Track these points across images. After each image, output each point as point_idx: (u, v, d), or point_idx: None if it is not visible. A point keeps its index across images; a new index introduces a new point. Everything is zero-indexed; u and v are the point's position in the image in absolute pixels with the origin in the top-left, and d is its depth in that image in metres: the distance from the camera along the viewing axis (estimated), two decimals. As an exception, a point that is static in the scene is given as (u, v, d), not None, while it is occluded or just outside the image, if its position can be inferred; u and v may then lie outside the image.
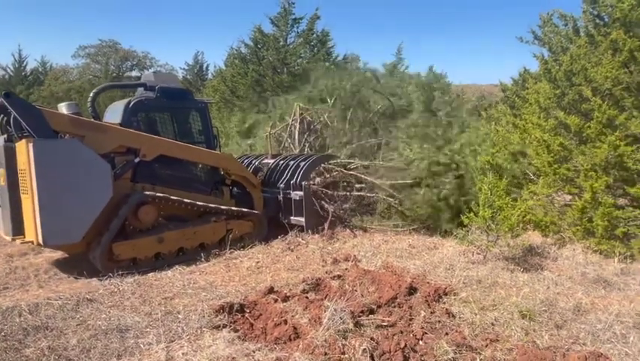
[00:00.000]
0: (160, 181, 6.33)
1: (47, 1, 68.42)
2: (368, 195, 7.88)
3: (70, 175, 5.19)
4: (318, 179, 7.91)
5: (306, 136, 9.33)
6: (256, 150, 10.34)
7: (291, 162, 7.72)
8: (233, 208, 6.87)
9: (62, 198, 5.11)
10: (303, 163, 7.51)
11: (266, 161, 8.44)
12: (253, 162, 8.54)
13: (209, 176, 7.03)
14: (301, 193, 7.13)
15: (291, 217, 7.38)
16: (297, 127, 9.35)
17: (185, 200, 6.27)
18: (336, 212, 7.58)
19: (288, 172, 7.54)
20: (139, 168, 6.16)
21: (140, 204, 5.90)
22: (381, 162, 7.99)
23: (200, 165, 6.98)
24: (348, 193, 7.94)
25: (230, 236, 6.58)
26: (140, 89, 6.83)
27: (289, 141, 9.47)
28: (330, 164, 8.11)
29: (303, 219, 7.16)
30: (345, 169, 8.14)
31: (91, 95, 6.62)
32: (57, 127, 5.45)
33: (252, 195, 7.34)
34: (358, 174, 7.96)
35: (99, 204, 5.39)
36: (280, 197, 7.52)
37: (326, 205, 7.60)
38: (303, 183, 7.14)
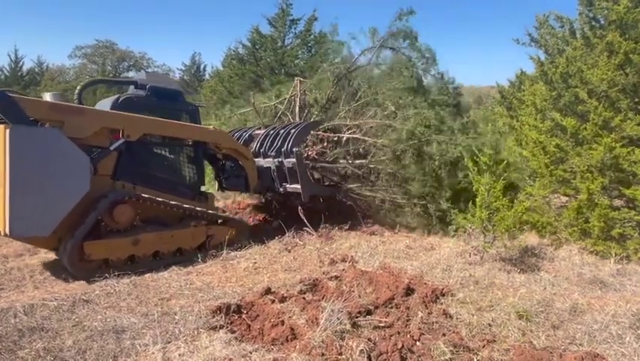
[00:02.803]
0: (142, 181, 6.08)
1: (44, 1, 68.25)
2: (370, 165, 7.65)
3: (46, 165, 4.93)
4: (315, 148, 7.77)
5: (306, 112, 8.94)
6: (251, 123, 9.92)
7: (282, 131, 7.54)
8: (214, 213, 6.63)
9: (35, 189, 4.85)
10: (294, 130, 7.32)
11: (257, 132, 8.21)
12: (243, 134, 8.32)
13: (195, 180, 6.81)
14: (293, 160, 6.97)
15: (287, 185, 7.29)
16: (298, 102, 8.88)
17: (159, 199, 5.98)
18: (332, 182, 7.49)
19: (279, 140, 7.34)
20: (121, 165, 5.90)
21: (116, 203, 5.63)
22: (378, 120, 7.71)
23: (186, 167, 6.75)
24: (347, 164, 7.74)
25: (211, 242, 6.40)
26: (132, 87, 6.68)
27: (289, 115, 9.09)
28: (324, 131, 7.88)
29: (299, 186, 7.07)
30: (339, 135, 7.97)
31: (78, 87, 6.45)
32: (35, 115, 5.16)
33: (245, 168, 7.20)
34: (360, 137, 7.71)
35: (73, 198, 5.12)
36: (273, 167, 7.34)
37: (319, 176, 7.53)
38: (294, 149, 6.98)
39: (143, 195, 5.85)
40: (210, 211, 6.59)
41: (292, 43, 17.49)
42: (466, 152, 7.07)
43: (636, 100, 6.03)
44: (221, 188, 8.13)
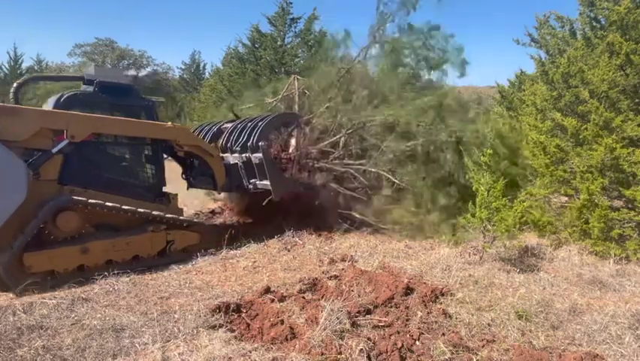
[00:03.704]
0: (94, 184, 5.62)
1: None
2: (369, 169, 7.35)
3: None
4: (314, 150, 7.51)
5: (306, 110, 8.50)
6: None
7: (249, 124, 7.14)
8: (174, 216, 6.11)
9: None
10: (261, 123, 6.94)
11: (226, 125, 7.79)
12: (212, 128, 7.87)
13: (156, 180, 6.39)
14: (260, 155, 6.64)
15: (257, 182, 6.93)
16: (297, 100, 8.54)
17: (108, 204, 5.51)
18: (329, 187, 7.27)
19: (245, 134, 6.96)
20: (67, 168, 5.45)
21: (60, 209, 5.18)
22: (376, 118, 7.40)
23: (144, 168, 6.34)
24: (349, 169, 7.45)
25: (172, 248, 6.03)
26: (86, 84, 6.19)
27: None
28: (323, 131, 7.51)
29: (268, 183, 6.73)
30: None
31: (14, 85, 6.05)
32: None
33: (211, 166, 6.84)
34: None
35: (8, 208, 4.69)
36: (240, 163, 6.97)
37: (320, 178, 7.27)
38: (260, 143, 6.62)
39: (89, 200, 5.40)
40: (170, 215, 6.08)
41: (292, 42, 17.47)
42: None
43: (636, 101, 6.03)
44: (190, 186, 7.79)
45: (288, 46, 17.30)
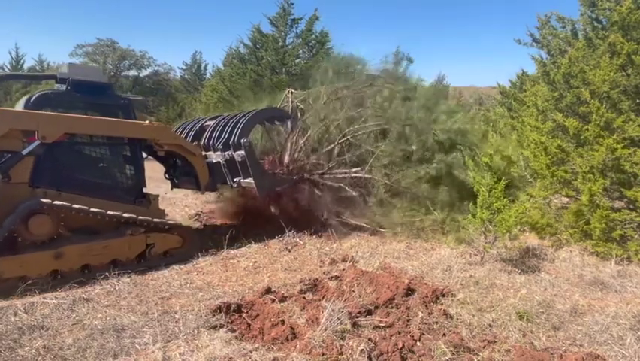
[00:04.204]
0: (69, 186, 5.44)
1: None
2: (365, 175, 7.34)
3: None
4: (313, 157, 7.43)
5: (300, 122, 8.40)
6: None
7: (231, 121, 7.04)
8: (154, 219, 5.86)
9: None
10: (243, 119, 6.85)
11: (208, 123, 7.64)
12: (194, 126, 7.68)
13: (134, 181, 6.16)
14: (242, 153, 6.57)
15: (241, 180, 6.84)
16: (290, 112, 8.46)
17: (81, 207, 5.26)
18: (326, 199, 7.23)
19: (227, 132, 6.85)
20: (39, 170, 5.25)
21: (32, 213, 4.99)
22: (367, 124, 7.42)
23: (122, 168, 6.12)
24: (345, 174, 7.44)
25: (151, 252, 5.82)
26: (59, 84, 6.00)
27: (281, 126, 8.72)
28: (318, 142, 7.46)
29: (252, 180, 6.66)
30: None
31: None
32: None
33: (193, 165, 6.67)
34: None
35: None
36: (222, 161, 6.85)
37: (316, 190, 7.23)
38: (242, 140, 6.57)
39: (62, 203, 5.18)
40: (146, 217, 5.83)
41: (293, 42, 17.48)
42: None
43: (638, 101, 6.02)
44: (174, 186, 7.63)
45: (290, 46, 17.30)
